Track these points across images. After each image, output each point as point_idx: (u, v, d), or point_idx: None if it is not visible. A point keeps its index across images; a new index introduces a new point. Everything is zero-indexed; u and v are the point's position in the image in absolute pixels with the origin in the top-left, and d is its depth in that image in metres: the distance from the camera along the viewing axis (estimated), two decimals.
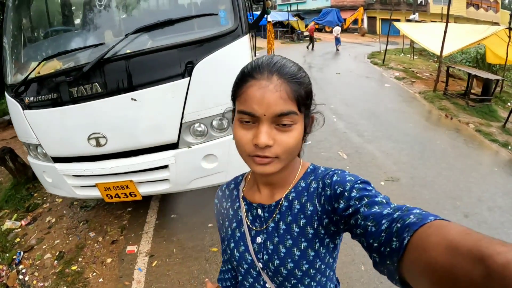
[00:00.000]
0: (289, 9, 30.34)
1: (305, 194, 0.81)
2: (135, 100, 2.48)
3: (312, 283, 0.84)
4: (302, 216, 0.80)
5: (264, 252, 0.85)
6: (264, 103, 0.69)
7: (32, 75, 2.60)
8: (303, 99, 0.73)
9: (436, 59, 11.52)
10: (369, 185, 0.72)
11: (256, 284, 0.91)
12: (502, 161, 5.75)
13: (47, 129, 2.76)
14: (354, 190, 0.69)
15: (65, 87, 2.52)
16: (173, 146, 2.67)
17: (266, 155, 0.71)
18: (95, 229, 3.67)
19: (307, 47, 20.33)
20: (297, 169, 0.87)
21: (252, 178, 0.94)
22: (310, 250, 0.80)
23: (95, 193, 2.93)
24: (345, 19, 31.90)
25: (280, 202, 0.84)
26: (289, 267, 0.81)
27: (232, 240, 0.92)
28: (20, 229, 3.88)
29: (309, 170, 0.86)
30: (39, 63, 2.60)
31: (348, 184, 0.71)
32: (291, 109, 0.70)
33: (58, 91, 2.56)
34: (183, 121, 2.57)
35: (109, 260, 3.15)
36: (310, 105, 0.79)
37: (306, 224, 0.79)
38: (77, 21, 3.08)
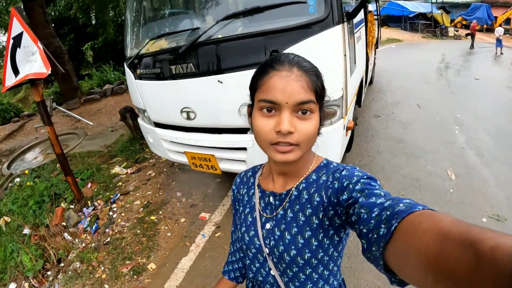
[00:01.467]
0: (434, 0, 27.51)
1: (314, 185, 0.86)
2: (221, 82, 2.66)
3: (313, 274, 0.88)
4: (309, 206, 0.85)
5: (271, 238, 0.90)
6: (287, 91, 0.74)
7: (143, 51, 3.03)
8: (320, 90, 0.79)
9: None
10: (374, 181, 0.75)
11: (262, 270, 0.97)
12: None
13: (150, 98, 3.21)
14: (358, 183, 0.73)
15: (166, 64, 2.87)
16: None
17: (288, 141, 0.76)
18: (182, 190, 4.13)
19: (471, 48, 18.58)
20: (311, 162, 0.91)
21: (268, 167, 0.99)
22: (313, 240, 0.84)
23: (184, 159, 3.29)
24: (496, 17, 27.47)
25: (290, 192, 0.89)
26: (292, 253, 0.85)
27: (244, 225, 0.99)
28: (125, 176, 4.63)
29: (322, 164, 0.91)
30: (147, 42, 3.02)
31: (355, 178, 0.75)
32: (311, 98, 0.76)
33: (160, 67, 2.93)
34: None
35: (182, 220, 3.55)
36: (324, 98, 0.83)
37: (312, 213, 0.84)
38: (182, 6, 3.39)
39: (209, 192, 4.04)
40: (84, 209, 3.85)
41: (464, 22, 29.37)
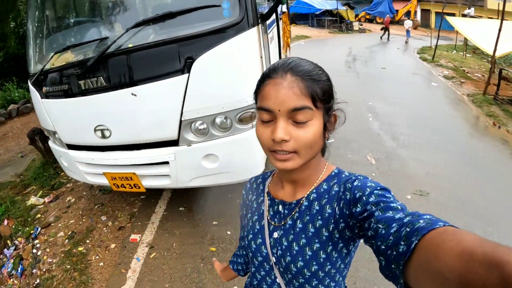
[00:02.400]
0: None
1: (326, 196, 0.83)
2: (135, 95, 2.50)
3: (319, 285, 0.86)
4: (319, 217, 0.83)
5: (279, 248, 0.88)
6: (278, 99, 0.73)
7: (47, 66, 2.72)
8: (319, 95, 0.75)
9: (490, 59, 10.70)
10: (388, 192, 0.72)
11: (267, 278, 0.95)
12: None
13: (60, 118, 2.91)
14: (372, 195, 0.70)
15: (74, 79, 2.61)
16: (174, 143, 2.67)
17: (283, 149, 0.75)
18: (107, 213, 3.80)
19: (381, 38, 20.58)
20: (321, 171, 0.89)
21: (278, 175, 0.97)
22: (321, 252, 0.81)
23: (104, 181, 3.03)
24: (397, 10, 30.29)
25: (301, 202, 0.87)
26: (299, 265, 0.83)
27: (251, 232, 0.97)
28: (42, 206, 4.15)
29: (333, 173, 0.88)
30: (52, 56, 2.72)
31: (368, 190, 0.72)
32: (305, 104, 0.73)
33: (68, 83, 2.66)
34: (182, 119, 2.55)
35: (113, 246, 3.27)
36: (329, 102, 0.80)
37: (322, 225, 0.82)
38: (89, 14, 3.13)
39: (135, 211, 3.79)
40: (5, 251, 3.39)
41: (367, 17, 31.87)
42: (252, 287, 1.04)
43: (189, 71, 2.41)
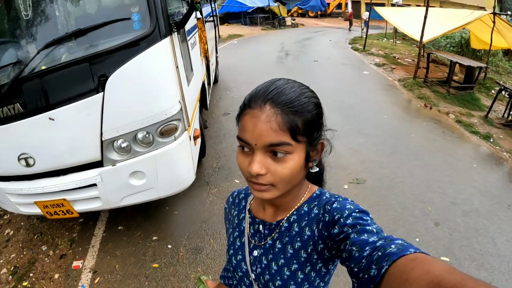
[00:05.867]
0: None
1: (306, 218, 0.84)
2: (52, 119, 2.43)
3: None
4: (298, 239, 0.83)
5: (258, 266, 0.90)
6: (255, 133, 0.71)
7: None
8: (300, 129, 0.72)
9: (418, 44, 11.41)
10: (366, 215, 0.73)
11: None
12: (482, 156, 5.41)
13: None
14: (350, 218, 0.71)
15: None
16: (99, 164, 2.65)
17: (259, 182, 0.74)
18: (47, 242, 3.63)
19: (349, 29, 22.61)
20: (303, 194, 0.89)
21: None
22: (299, 273, 0.82)
23: (37, 210, 2.92)
24: (328, 4, 31.33)
25: (281, 223, 0.88)
26: (277, 284, 0.85)
27: (232, 247, 0.99)
28: None
29: (314, 195, 0.88)
30: None
31: (346, 212, 0.73)
32: (283, 140, 0.71)
33: None
34: (103, 139, 2.52)
35: (56, 276, 3.14)
36: (314, 132, 0.77)
37: (300, 247, 0.82)
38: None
39: (74, 236, 3.65)
40: None
41: (300, 11, 32.62)
42: None
43: (103, 90, 2.38)
